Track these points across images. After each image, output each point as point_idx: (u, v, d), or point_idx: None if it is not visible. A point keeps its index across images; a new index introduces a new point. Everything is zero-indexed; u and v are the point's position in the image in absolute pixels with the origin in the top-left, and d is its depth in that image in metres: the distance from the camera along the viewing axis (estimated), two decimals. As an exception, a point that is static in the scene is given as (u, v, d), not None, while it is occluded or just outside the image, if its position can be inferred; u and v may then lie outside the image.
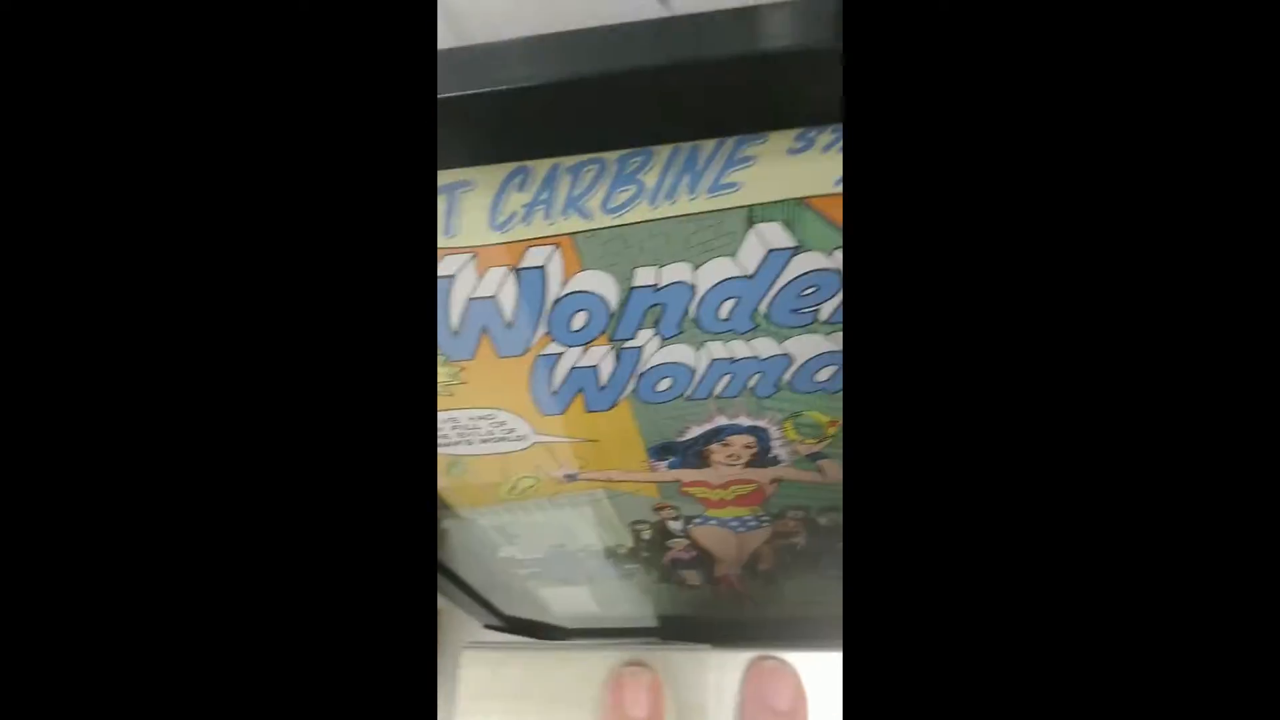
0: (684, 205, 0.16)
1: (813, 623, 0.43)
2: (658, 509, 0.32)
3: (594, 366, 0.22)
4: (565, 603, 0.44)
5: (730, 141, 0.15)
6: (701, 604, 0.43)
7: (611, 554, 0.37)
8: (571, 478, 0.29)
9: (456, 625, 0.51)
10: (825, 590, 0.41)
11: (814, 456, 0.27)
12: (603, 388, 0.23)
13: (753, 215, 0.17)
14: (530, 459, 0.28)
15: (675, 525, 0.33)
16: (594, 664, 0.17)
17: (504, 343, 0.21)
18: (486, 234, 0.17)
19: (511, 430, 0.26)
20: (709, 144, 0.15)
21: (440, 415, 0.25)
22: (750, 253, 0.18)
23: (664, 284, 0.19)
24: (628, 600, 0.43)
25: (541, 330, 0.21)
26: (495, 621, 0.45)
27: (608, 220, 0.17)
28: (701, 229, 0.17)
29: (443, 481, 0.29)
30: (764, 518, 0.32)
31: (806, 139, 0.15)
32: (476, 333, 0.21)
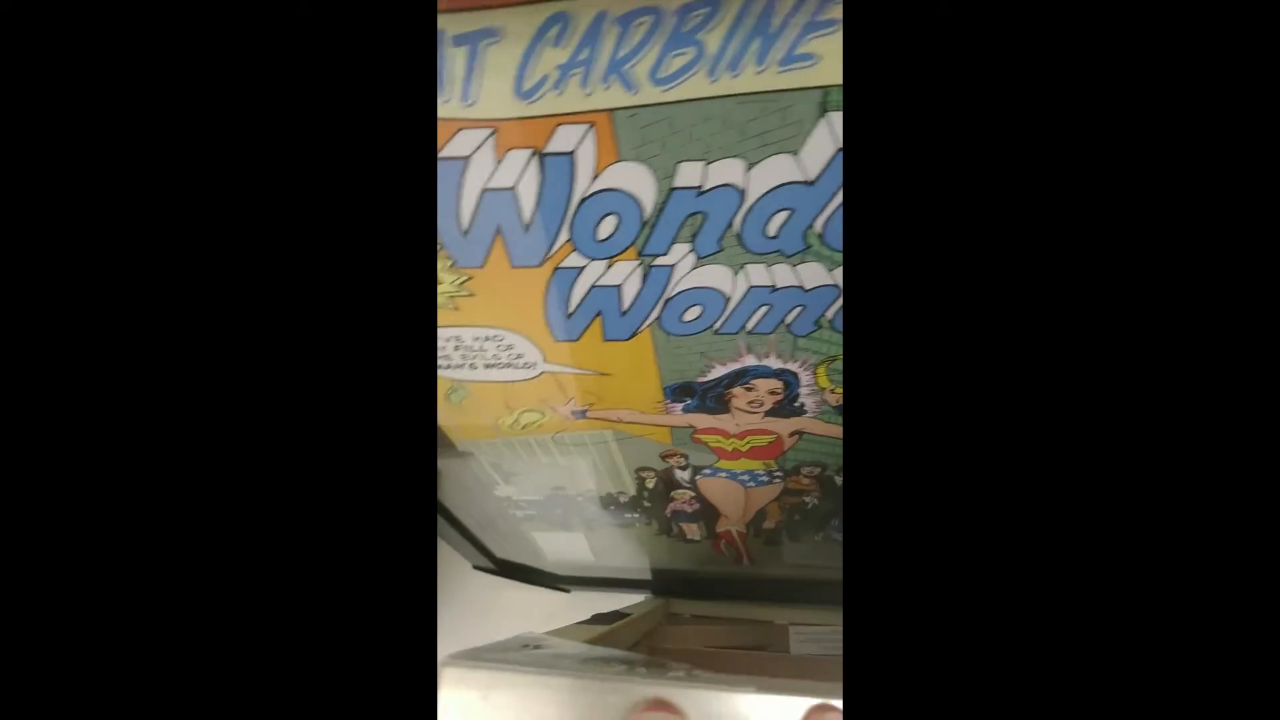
0: (748, 80, 0.14)
1: (811, 586, 0.42)
2: (666, 456, 0.30)
3: (617, 286, 0.20)
4: (559, 549, 0.43)
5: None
6: (699, 559, 0.42)
7: (612, 501, 0.35)
8: (579, 415, 0.27)
9: (442, 564, 0.51)
10: (828, 553, 0.40)
11: (841, 408, 0.25)
12: (624, 313, 0.21)
13: (827, 100, 0.14)
14: (537, 390, 0.26)
15: (682, 475, 0.32)
16: (608, 699, 0.15)
17: (519, 249, 0.19)
18: (510, 104, 0.15)
19: (520, 356, 0.24)
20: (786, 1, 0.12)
21: (442, 332, 0.23)
22: (816, 151, 0.15)
23: (710, 186, 0.16)
24: (623, 550, 0.42)
25: (563, 236, 0.18)
26: (486, 563, 0.45)
27: (655, 94, 0.14)
28: (765, 115, 0.14)
29: (441, 408, 0.27)
30: (777, 473, 0.31)
31: None
32: (489, 234, 0.18)
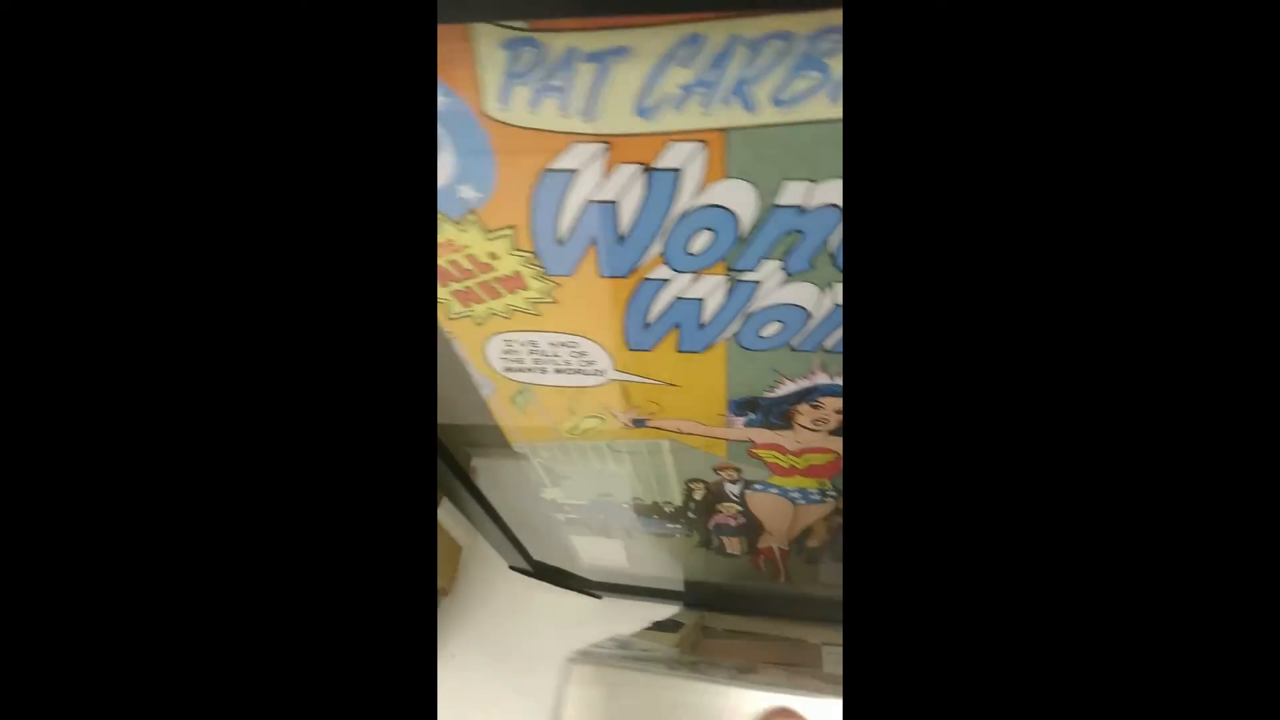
0: (870, 105, 0.14)
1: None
2: (718, 469, 0.30)
3: (700, 299, 0.20)
4: (595, 554, 0.43)
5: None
6: (734, 574, 0.42)
7: (656, 510, 0.35)
8: (639, 423, 0.27)
9: (478, 562, 0.51)
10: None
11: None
12: (702, 325, 0.21)
13: (947, 127, 0.14)
14: (601, 397, 0.26)
15: (732, 489, 0.32)
16: (732, 703, 0.16)
17: (610, 260, 0.19)
18: (628, 120, 0.15)
19: (591, 363, 0.24)
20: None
21: (519, 336, 0.23)
22: (926, 177, 0.15)
23: (813, 205, 0.16)
24: (659, 560, 0.42)
25: (655, 249, 0.19)
26: (522, 564, 0.45)
27: (774, 115, 0.14)
28: (879, 139, 0.15)
29: (504, 411, 0.28)
30: (830, 493, 0.30)
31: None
32: (584, 245, 0.19)
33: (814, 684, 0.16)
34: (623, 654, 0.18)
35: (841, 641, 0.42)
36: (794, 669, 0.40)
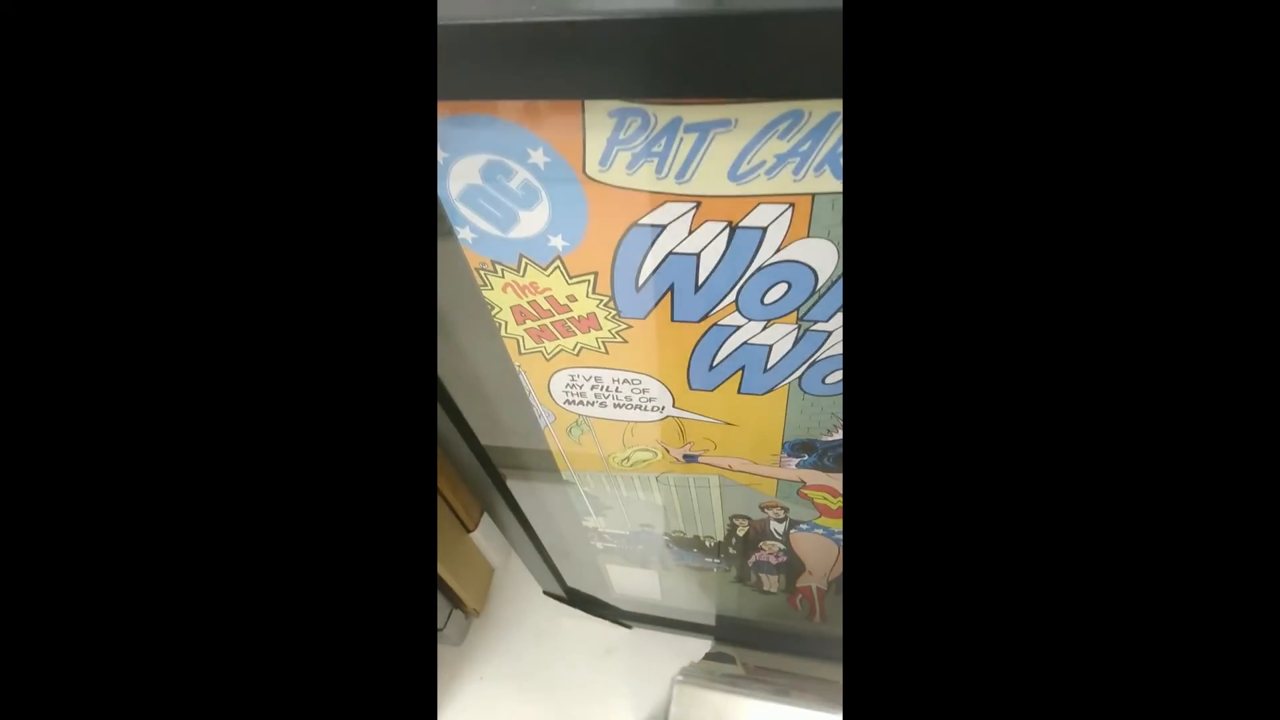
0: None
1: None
2: (765, 507, 0.30)
3: (768, 345, 0.21)
4: (629, 584, 0.43)
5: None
6: (769, 611, 0.41)
7: (697, 544, 0.35)
8: (691, 459, 0.28)
9: (510, 585, 0.51)
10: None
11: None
12: (767, 370, 0.22)
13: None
14: (656, 432, 0.26)
15: (777, 527, 0.32)
16: None
17: (684, 306, 0.20)
18: (721, 184, 0.16)
19: (651, 399, 0.25)
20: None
21: (586, 371, 0.24)
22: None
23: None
24: (692, 593, 0.42)
25: (730, 298, 0.19)
26: (556, 589, 0.45)
27: (863, 184, 0.15)
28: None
29: (560, 440, 0.29)
30: (876, 535, 0.30)
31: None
32: (660, 291, 0.19)
33: None
34: (723, 675, 0.19)
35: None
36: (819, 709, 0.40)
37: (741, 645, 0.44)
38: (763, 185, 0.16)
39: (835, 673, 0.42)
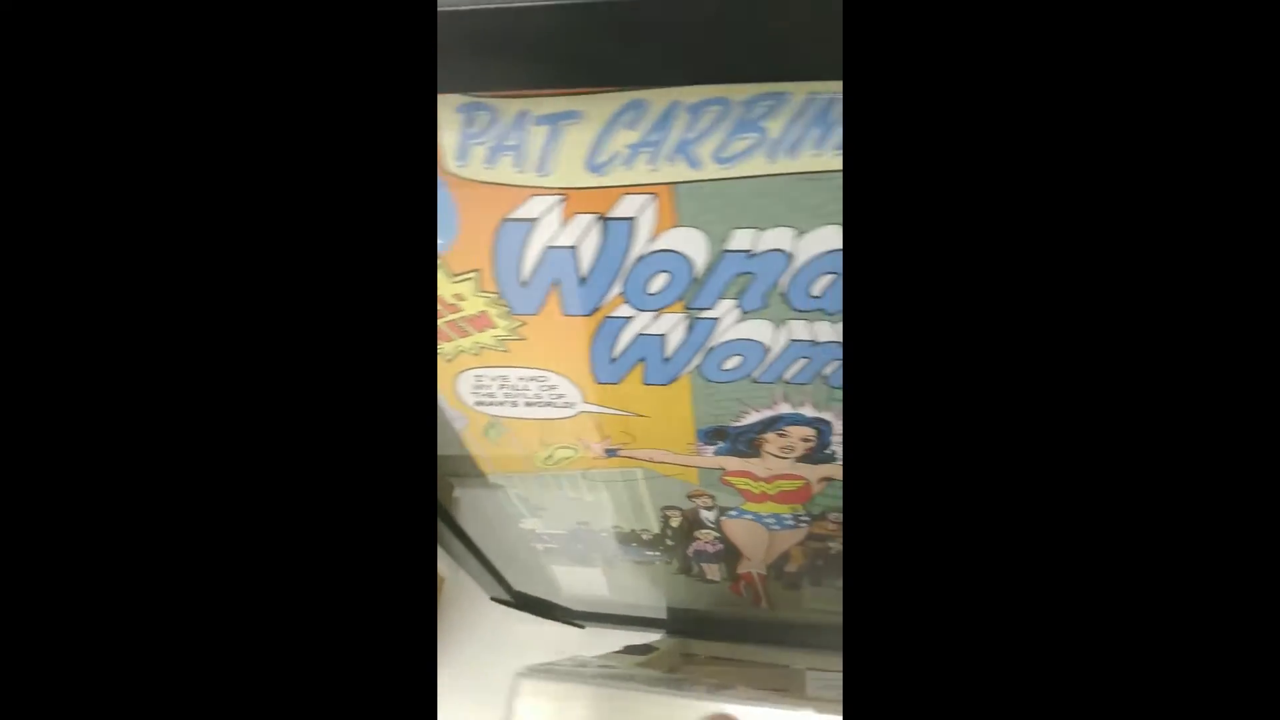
0: (806, 162, 0.15)
1: (829, 631, 0.42)
2: (693, 496, 0.31)
3: (661, 335, 0.21)
4: (576, 584, 0.43)
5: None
6: (716, 600, 0.42)
7: (634, 538, 0.36)
8: (611, 453, 0.28)
9: (459, 594, 0.51)
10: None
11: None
12: (666, 359, 0.22)
13: (877, 180, 0.15)
14: (573, 428, 0.26)
15: (708, 515, 0.32)
16: (676, 713, 0.16)
17: (573, 299, 0.20)
18: (581, 175, 0.16)
19: (560, 395, 0.24)
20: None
21: (490, 372, 0.24)
22: (863, 224, 0.16)
23: (760, 250, 0.17)
24: (640, 588, 0.42)
25: (616, 289, 0.19)
26: (503, 595, 0.45)
27: (716, 171, 0.15)
28: (817, 191, 0.16)
29: (477, 443, 0.28)
30: (803, 518, 0.31)
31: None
32: (546, 286, 0.19)
33: (780, 698, 0.16)
34: (577, 670, 0.19)
35: (826, 666, 0.42)
36: (778, 693, 0.40)
37: (695, 636, 0.45)
38: (622, 175, 0.16)
39: (790, 658, 0.43)
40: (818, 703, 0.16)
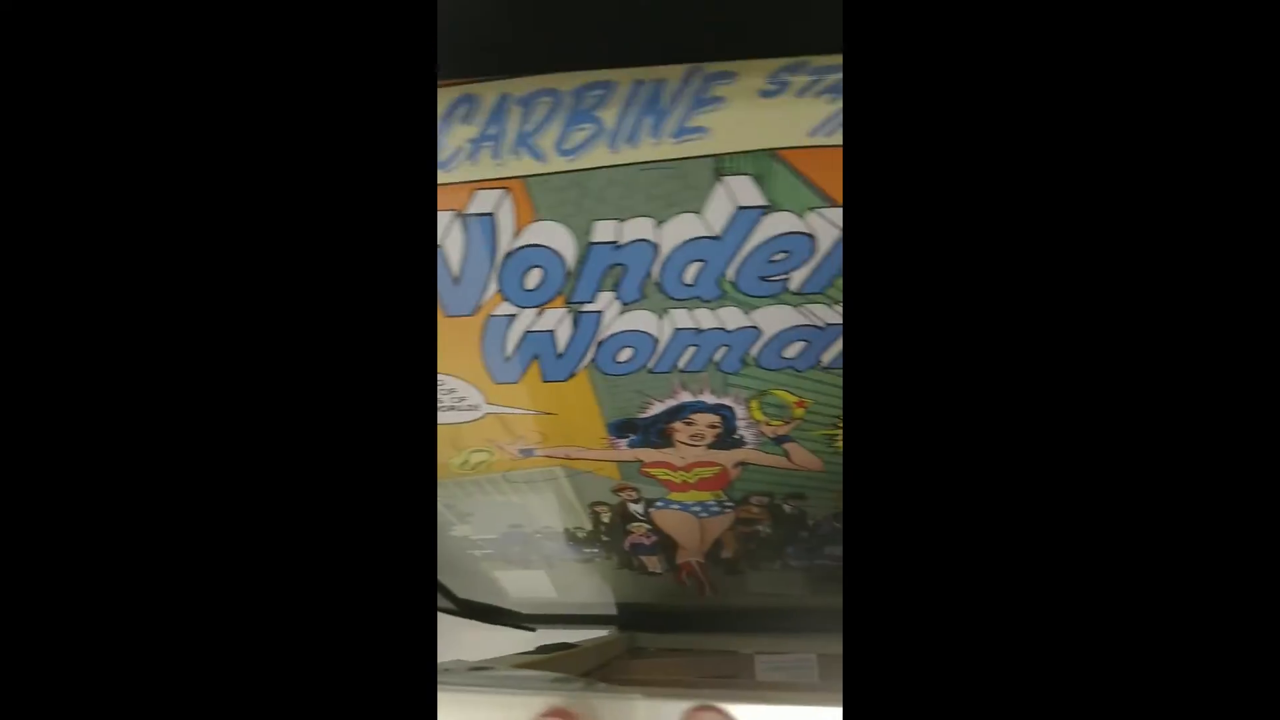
0: (646, 150, 0.15)
1: (775, 615, 0.43)
2: (618, 490, 0.31)
3: (550, 331, 0.21)
4: (521, 587, 0.42)
5: (697, 79, 0.14)
6: (663, 592, 0.42)
7: (570, 537, 0.35)
8: (528, 453, 0.28)
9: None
10: (790, 581, 0.40)
11: (780, 439, 0.26)
12: (560, 355, 0.22)
13: (720, 166, 0.15)
14: (483, 431, 0.26)
15: (636, 508, 0.32)
16: (509, 713, 0.16)
17: (451, 300, 0.20)
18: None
19: (462, 399, 0.24)
20: (673, 80, 0.14)
21: (384, 379, 0.23)
22: (718, 210, 0.16)
23: (625, 241, 0.17)
24: (586, 586, 0.42)
25: (492, 287, 0.19)
26: (448, 605, 0.44)
27: (562, 163, 0.15)
28: (665, 179, 0.16)
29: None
30: (727, 503, 0.31)
31: (780, 81, 0.14)
32: (422, 287, 0.19)
33: (732, 692, 0.16)
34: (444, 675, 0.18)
35: (774, 649, 0.42)
36: (727, 680, 0.41)
37: (644, 630, 0.45)
38: (469, 171, 0.16)
39: (739, 643, 0.44)
40: (649, 688, 0.16)
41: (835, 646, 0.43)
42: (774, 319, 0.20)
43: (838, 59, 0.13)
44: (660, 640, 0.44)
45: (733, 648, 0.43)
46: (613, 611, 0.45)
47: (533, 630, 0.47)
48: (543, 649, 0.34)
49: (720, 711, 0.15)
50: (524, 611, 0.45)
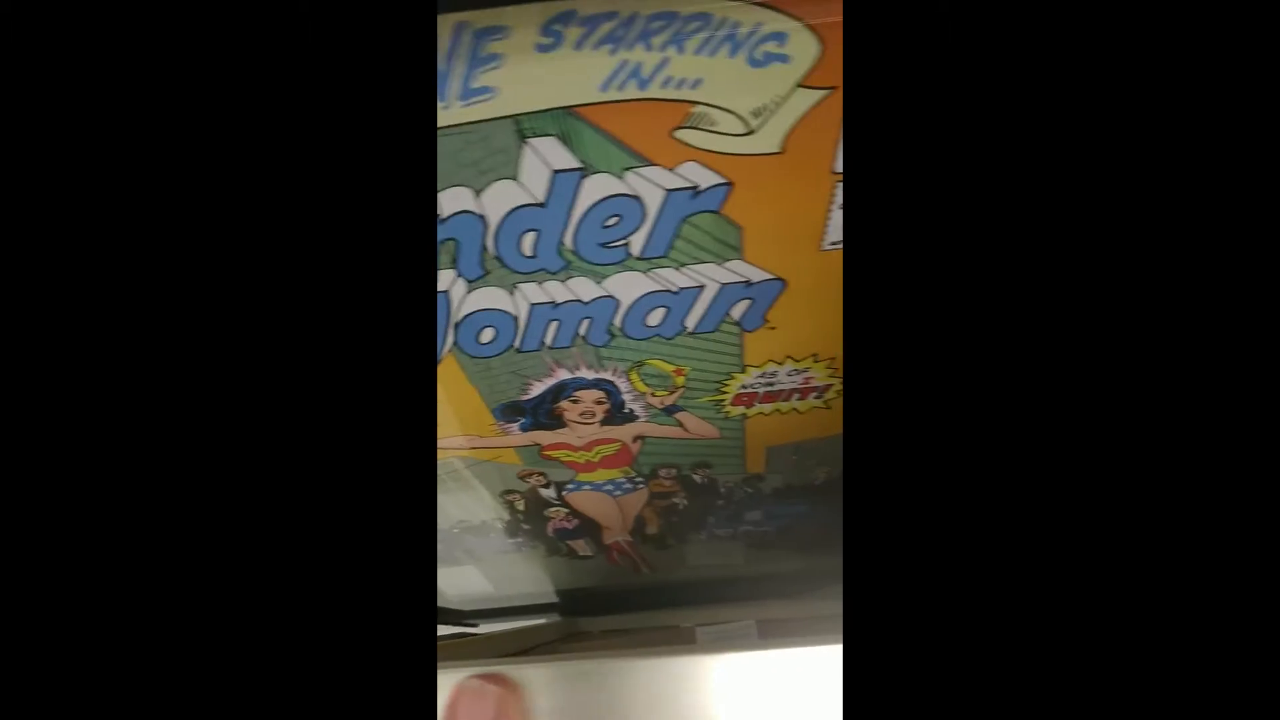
0: (440, 116, 0.14)
1: (713, 585, 0.43)
2: (524, 476, 0.30)
3: (403, 317, 0.20)
4: (456, 585, 0.42)
5: (467, 35, 0.13)
6: (599, 574, 0.42)
7: (490, 529, 0.35)
8: (419, 447, 0.27)
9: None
10: (720, 551, 0.41)
11: (670, 410, 0.26)
12: (421, 341, 0.21)
13: (521, 128, 0.15)
14: (365, 428, 0.25)
15: (548, 493, 0.32)
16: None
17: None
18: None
19: (331, 395, 0.23)
20: (444, 38, 0.13)
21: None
22: (534, 175, 0.16)
23: (448, 213, 0.17)
24: (521, 577, 0.42)
25: (326, 274, 0.18)
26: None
27: (355, 133, 0.15)
28: (470, 145, 0.15)
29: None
30: (637, 479, 0.31)
31: (553, 33, 0.13)
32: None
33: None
34: None
35: (714, 619, 0.43)
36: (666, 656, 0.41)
37: (586, 614, 0.45)
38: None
39: (679, 617, 0.44)
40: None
41: (773, 611, 0.44)
42: (627, 287, 0.20)
43: (605, 5, 0.13)
44: (601, 623, 0.44)
45: (674, 622, 0.43)
46: (553, 599, 0.45)
47: (475, 626, 0.46)
48: (443, 638, 0.34)
49: (497, 680, 0.15)
50: (465, 609, 0.45)
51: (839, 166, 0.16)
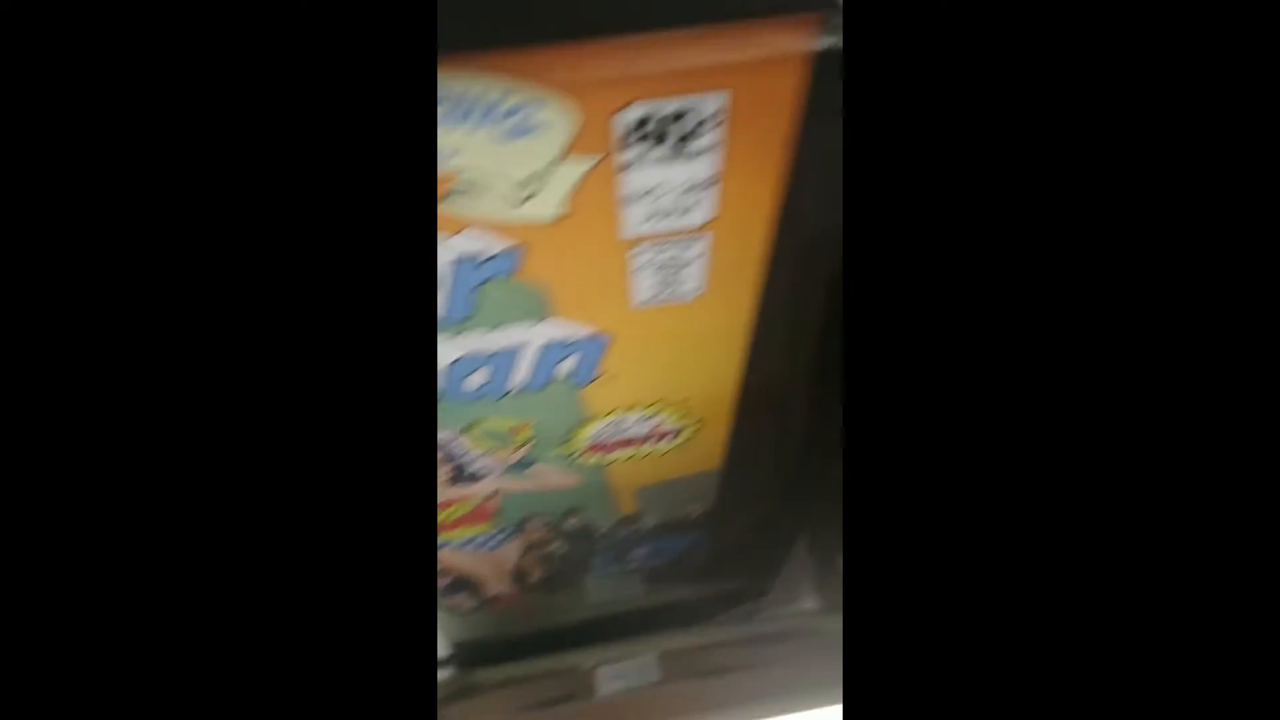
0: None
1: (609, 622, 0.42)
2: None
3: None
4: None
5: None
6: (490, 624, 0.40)
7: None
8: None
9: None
10: (620, 586, 0.40)
11: (524, 463, 0.25)
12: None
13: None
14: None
15: (410, 554, 0.30)
16: None
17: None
18: None
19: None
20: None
21: None
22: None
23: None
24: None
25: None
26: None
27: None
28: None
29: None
30: (506, 530, 0.30)
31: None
32: None
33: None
34: None
35: (615, 657, 0.42)
36: (561, 704, 0.40)
37: (483, 665, 0.43)
38: None
39: (578, 659, 0.43)
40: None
41: (675, 642, 0.43)
42: (439, 353, 0.18)
43: None
44: (496, 673, 0.42)
45: (572, 665, 0.42)
46: (449, 651, 0.43)
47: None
48: None
49: None
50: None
51: (626, 234, 0.16)
